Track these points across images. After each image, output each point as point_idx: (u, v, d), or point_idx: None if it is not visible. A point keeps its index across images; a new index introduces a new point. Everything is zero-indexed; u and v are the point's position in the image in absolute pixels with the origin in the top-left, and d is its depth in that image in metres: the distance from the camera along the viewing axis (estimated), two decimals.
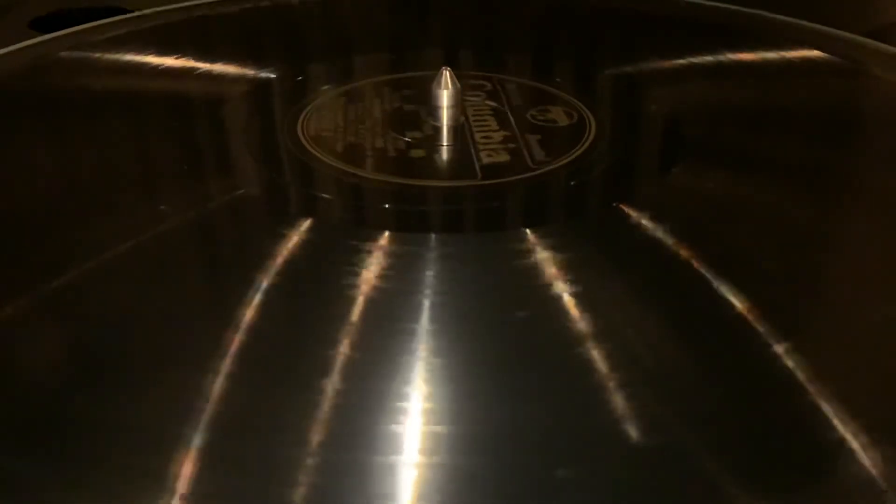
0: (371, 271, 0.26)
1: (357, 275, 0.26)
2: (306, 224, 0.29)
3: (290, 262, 0.27)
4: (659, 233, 0.28)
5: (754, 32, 0.46)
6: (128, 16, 0.47)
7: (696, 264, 0.26)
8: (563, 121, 0.36)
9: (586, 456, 0.20)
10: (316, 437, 0.20)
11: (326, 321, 0.24)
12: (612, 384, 0.22)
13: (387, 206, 0.31)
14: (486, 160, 0.33)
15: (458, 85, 0.35)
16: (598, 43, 0.46)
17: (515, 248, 0.27)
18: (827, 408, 0.21)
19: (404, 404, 0.21)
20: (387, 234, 0.28)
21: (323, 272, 0.26)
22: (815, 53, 0.42)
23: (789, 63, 0.42)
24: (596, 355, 0.23)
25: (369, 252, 0.27)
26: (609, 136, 0.35)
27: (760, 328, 0.24)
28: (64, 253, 0.27)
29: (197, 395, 0.21)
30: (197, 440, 0.20)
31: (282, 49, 0.46)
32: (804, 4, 0.47)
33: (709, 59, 0.43)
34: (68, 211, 0.30)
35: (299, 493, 0.19)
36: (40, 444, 0.20)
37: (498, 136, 0.34)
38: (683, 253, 0.27)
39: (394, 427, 0.21)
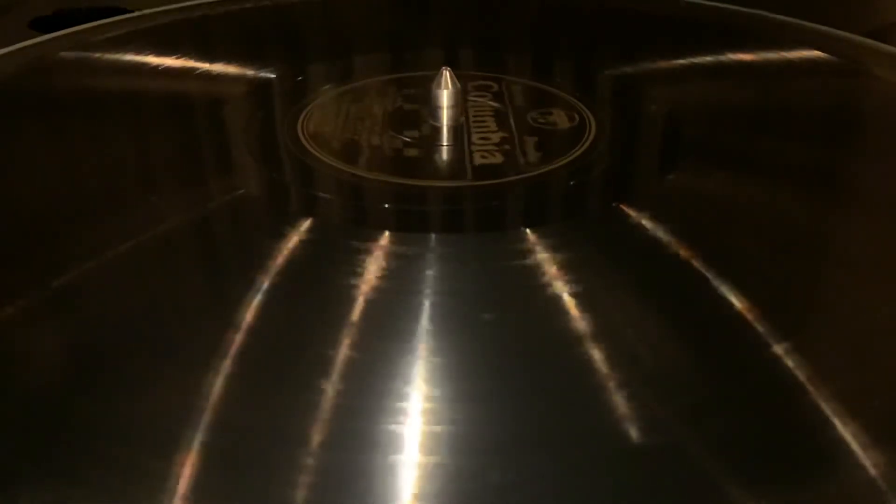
0: (349, 268, 0.26)
1: (335, 272, 0.26)
2: (299, 222, 0.29)
3: (277, 260, 0.27)
4: (646, 238, 0.28)
5: (754, 32, 0.46)
6: (128, 16, 0.47)
7: (690, 268, 0.26)
8: (563, 123, 0.36)
9: (586, 456, 0.20)
10: (316, 437, 0.20)
11: (300, 315, 0.24)
12: (610, 384, 0.22)
13: (372, 204, 0.31)
14: (479, 161, 0.33)
15: (458, 85, 0.35)
16: (606, 45, 0.46)
17: (493, 249, 0.27)
18: (827, 408, 0.21)
19: (404, 404, 0.21)
20: (368, 231, 0.28)
21: (306, 269, 0.26)
22: (815, 53, 0.42)
23: (789, 63, 0.42)
24: (586, 356, 0.23)
25: (349, 249, 0.27)
26: (607, 139, 0.34)
27: (760, 328, 0.24)
28: (64, 253, 0.27)
29: (197, 394, 0.21)
30: (197, 440, 0.20)
31: (283, 49, 0.46)
32: (804, 4, 0.47)
33: (708, 59, 0.43)
34: (68, 211, 0.30)
35: (299, 493, 0.19)
36: (40, 444, 0.20)
37: (495, 137, 0.34)
38: (671, 261, 0.27)
39: (394, 427, 0.21)
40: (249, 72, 0.41)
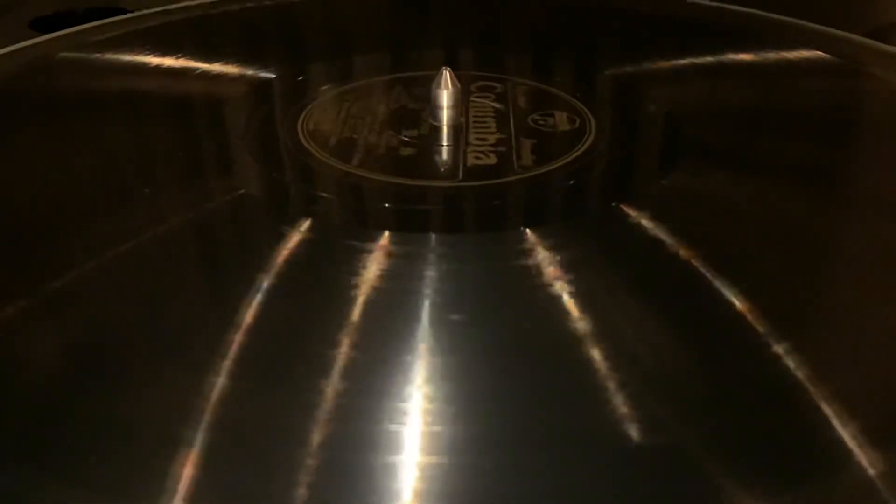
0: (329, 266, 0.26)
1: (321, 270, 0.26)
2: (296, 222, 0.29)
3: (270, 259, 0.27)
4: (635, 243, 0.28)
5: (754, 32, 0.46)
6: (128, 16, 0.47)
7: (687, 270, 0.26)
8: (563, 126, 0.36)
9: (586, 456, 0.20)
10: (316, 437, 0.20)
11: (290, 312, 0.25)
12: (609, 384, 0.22)
13: (358, 202, 0.32)
14: (471, 162, 0.33)
15: (458, 85, 0.35)
16: (612, 46, 0.46)
17: (471, 250, 0.27)
18: (827, 408, 0.21)
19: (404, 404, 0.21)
20: (353, 229, 0.29)
21: (299, 268, 0.27)
22: (815, 53, 0.42)
23: (789, 63, 0.42)
24: (584, 356, 0.23)
25: (330, 246, 0.27)
26: (604, 143, 0.34)
27: (760, 328, 0.24)
28: (64, 253, 0.27)
29: (197, 394, 0.21)
30: (197, 440, 0.20)
31: (283, 49, 0.46)
32: (804, 4, 0.47)
33: (708, 59, 0.43)
34: (68, 211, 0.30)
35: (299, 493, 0.19)
36: (41, 445, 0.20)
37: (492, 138, 0.34)
38: (664, 266, 0.27)
39: (394, 427, 0.21)
40: (249, 72, 0.41)
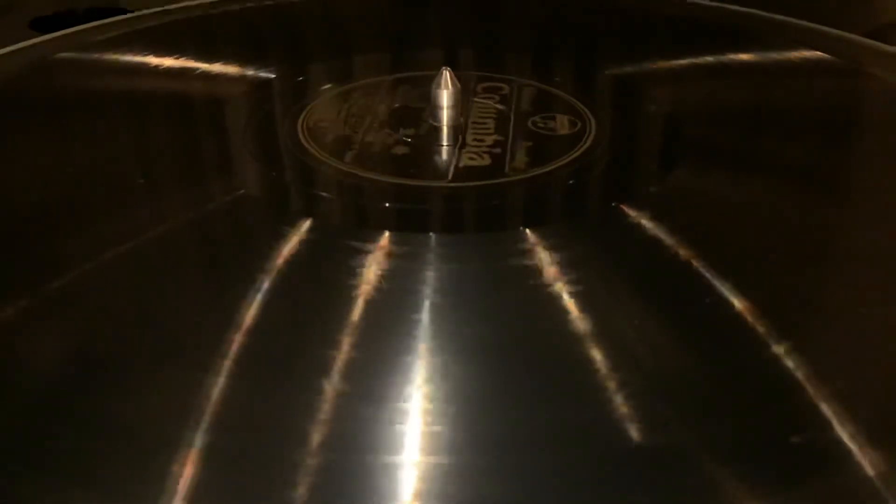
0: (314, 264, 0.27)
1: (301, 267, 0.26)
2: (294, 221, 0.29)
3: (264, 258, 0.27)
4: (619, 251, 0.28)
5: (754, 32, 0.46)
6: (128, 16, 0.47)
7: (680, 272, 0.26)
8: (563, 129, 0.35)
9: (586, 455, 0.20)
10: (316, 436, 0.20)
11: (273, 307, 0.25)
12: (609, 384, 0.22)
13: (345, 199, 0.32)
14: (464, 163, 0.32)
15: (458, 85, 0.35)
16: (618, 49, 0.45)
17: (453, 252, 0.27)
18: (827, 408, 0.21)
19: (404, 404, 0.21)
20: (338, 227, 0.29)
21: (295, 268, 0.27)
22: (815, 53, 0.42)
23: (789, 63, 0.42)
24: (579, 356, 0.23)
25: (314, 243, 0.28)
26: (601, 148, 0.34)
27: (760, 328, 0.24)
28: (64, 253, 0.27)
29: (197, 394, 0.21)
30: (197, 440, 0.20)
31: (283, 49, 0.46)
32: (804, 4, 0.47)
33: (709, 59, 0.43)
34: (68, 211, 0.30)
35: (299, 493, 0.19)
36: (41, 445, 0.20)
37: (489, 139, 0.34)
38: (648, 274, 0.27)
39: (394, 427, 0.21)
40: (249, 72, 0.41)
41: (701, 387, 0.22)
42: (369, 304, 0.25)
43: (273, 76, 0.41)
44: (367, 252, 0.27)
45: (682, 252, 0.27)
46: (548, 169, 0.32)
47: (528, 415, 0.21)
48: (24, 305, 0.25)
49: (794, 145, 0.35)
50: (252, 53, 0.43)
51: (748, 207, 0.31)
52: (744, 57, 0.43)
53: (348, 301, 0.25)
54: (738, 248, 0.28)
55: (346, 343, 0.23)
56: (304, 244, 0.28)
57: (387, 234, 0.28)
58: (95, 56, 0.42)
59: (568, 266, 0.26)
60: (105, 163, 0.33)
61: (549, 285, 0.25)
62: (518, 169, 0.32)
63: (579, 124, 0.36)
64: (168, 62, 0.42)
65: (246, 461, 0.20)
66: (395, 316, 0.24)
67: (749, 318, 0.24)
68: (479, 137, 0.34)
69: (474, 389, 0.22)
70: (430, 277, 0.26)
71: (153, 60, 0.42)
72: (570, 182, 0.32)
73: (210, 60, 0.42)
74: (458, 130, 0.35)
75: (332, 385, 0.22)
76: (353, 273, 0.26)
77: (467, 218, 0.32)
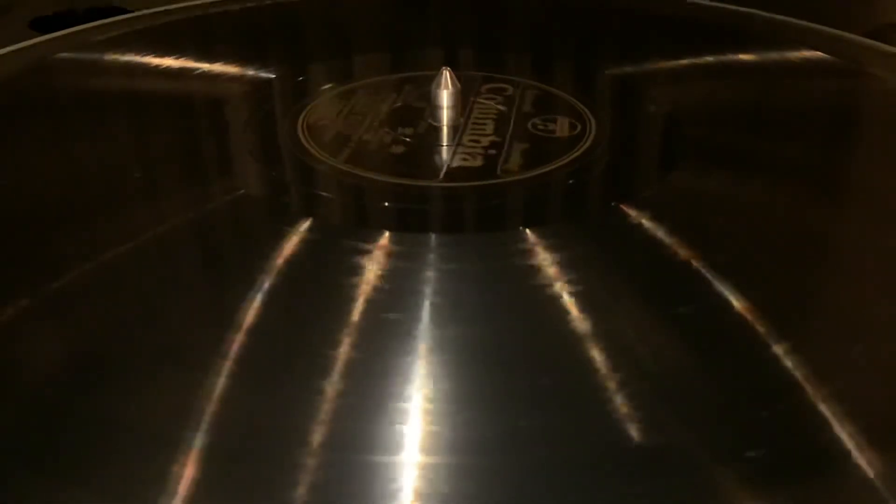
0: (310, 263, 0.27)
1: (296, 266, 0.26)
2: (293, 221, 0.29)
3: (262, 258, 0.27)
4: (607, 255, 0.28)
5: (754, 32, 0.46)
6: (128, 16, 0.47)
7: (676, 274, 0.26)
8: (563, 132, 0.35)
9: (586, 455, 0.20)
10: (316, 437, 0.20)
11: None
12: (609, 384, 0.22)
13: (333, 197, 0.32)
14: (457, 163, 0.32)
15: (458, 86, 0.35)
16: (620, 50, 0.45)
17: (433, 252, 0.27)
18: (827, 408, 0.21)
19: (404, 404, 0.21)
20: (326, 225, 0.29)
21: (292, 267, 0.27)
22: (815, 53, 0.42)
23: (789, 63, 0.42)
24: (577, 356, 0.23)
25: (312, 243, 0.28)
26: (596, 153, 0.34)
27: (760, 328, 0.24)
28: (64, 253, 0.27)
29: (197, 394, 0.21)
30: (197, 440, 0.20)
31: (283, 49, 0.46)
32: (804, 4, 0.47)
33: (710, 59, 0.43)
34: (68, 211, 0.30)
35: (299, 493, 0.19)
36: (41, 445, 0.20)
37: (486, 140, 0.34)
38: (640, 277, 0.27)
39: (394, 427, 0.21)
40: (249, 72, 0.41)
41: (701, 386, 0.22)
42: (356, 302, 0.25)
43: (273, 76, 0.41)
44: (365, 252, 0.27)
45: (682, 252, 0.27)
46: (539, 171, 0.32)
47: (527, 415, 0.21)
48: (24, 305, 0.25)
49: (794, 145, 0.35)
50: (252, 53, 0.43)
51: (748, 207, 0.31)
52: (744, 57, 0.43)
53: (342, 300, 0.25)
54: (737, 248, 0.28)
55: (345, 343, 0.23)
56: (302, 244, 0.28)
57: (380, 233, 0.28)
58: (95, 56, 0.42)
59: (567, 266, 0.26)
60: (105, 163, 0.33)
61: (547, 286, 0.25)
62: (509, 171, 0.32)
63: (579, 126, 0.36)
64: (168, 62, 0.42)
65: (246, 461, 0.20)
66: (375, 316, 0.24)
67: (749, 318, 0.24)
68: (475, 138, 0.34)
69: (470, 390, 0.22)
70: (428, 277, 0.26)
71: (153, 60, 0.42)
72: (565, 184, 0.32)
73: (210, 60, 0.42)
74: (456, 131, 0.35)
75: (331, 385, 0.22)
76: (349, 272, 0.26)
77: (454, 218, 0.31)
